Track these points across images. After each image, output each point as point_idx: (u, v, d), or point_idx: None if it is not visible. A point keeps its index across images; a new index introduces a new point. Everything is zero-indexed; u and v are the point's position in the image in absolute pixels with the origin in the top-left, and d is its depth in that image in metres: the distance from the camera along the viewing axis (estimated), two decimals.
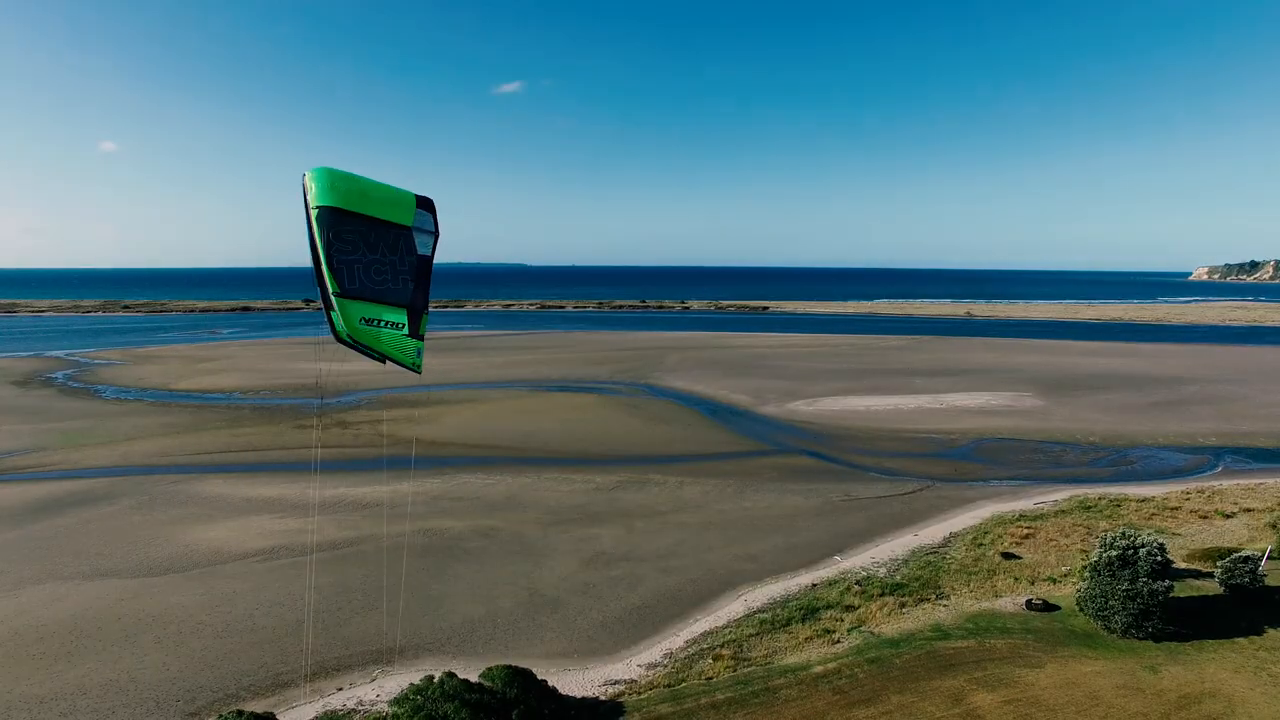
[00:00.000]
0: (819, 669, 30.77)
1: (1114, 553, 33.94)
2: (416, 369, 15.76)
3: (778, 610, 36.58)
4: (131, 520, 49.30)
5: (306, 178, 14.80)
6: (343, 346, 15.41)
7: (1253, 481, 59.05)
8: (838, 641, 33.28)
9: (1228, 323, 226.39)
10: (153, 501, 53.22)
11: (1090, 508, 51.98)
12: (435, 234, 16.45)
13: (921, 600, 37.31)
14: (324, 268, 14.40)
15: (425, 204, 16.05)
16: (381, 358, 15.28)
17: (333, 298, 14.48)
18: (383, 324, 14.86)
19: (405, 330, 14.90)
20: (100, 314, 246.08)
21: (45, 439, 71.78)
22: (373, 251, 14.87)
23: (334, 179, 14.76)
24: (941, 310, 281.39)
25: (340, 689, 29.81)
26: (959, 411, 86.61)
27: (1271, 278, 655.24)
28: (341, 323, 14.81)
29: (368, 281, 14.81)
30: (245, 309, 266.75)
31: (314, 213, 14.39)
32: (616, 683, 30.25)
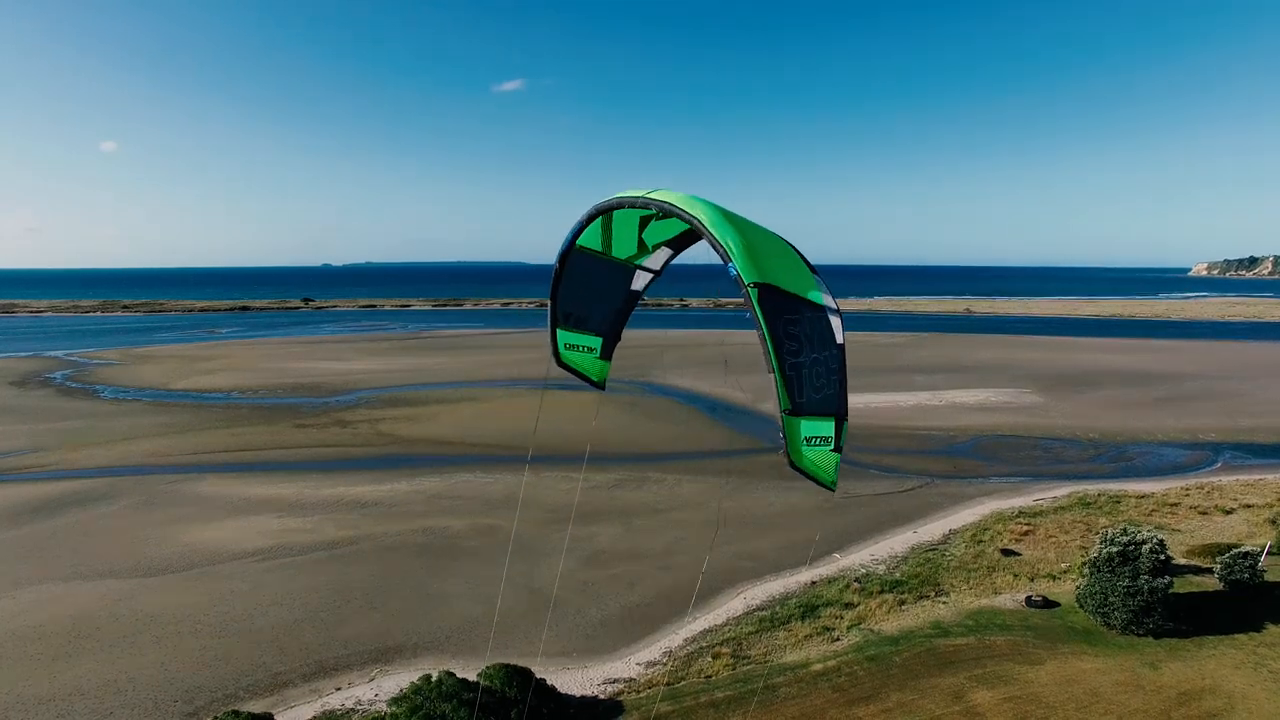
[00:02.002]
0: (818, 667, 30.73)
1: (1114, 549, 33.90)
2: (832, 488, 13.88)
3: (777, 608, 36.53)
4: (130, 520, 49.22)
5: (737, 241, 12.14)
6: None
7: (1252, 477, 59.02)
8: (837, 639, 33.23)
9: (1227, 318, 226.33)
10: (151, 501, 53.14)
11: (1090, 504, 51.94)
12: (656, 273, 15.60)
13: (921, 597, 37.27)
14: (776, 373, 11.93)
15: (812, 268, 13.13)
16: (812, 480, 13.04)
17: (783, 416, 12.16)
18: (816, 442, 12.77)
19: (832, 446, 12.84)
20: (99, 314, 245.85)
21: (44, 439, 71.67)
22: (812, 347, 12.38)
23: (751, 240, 12.22)
24: (941, 307, 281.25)
25: (338, 689, 29.76)
26: (958, 408, 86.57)
27: (1271, 273, 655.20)
28: (790, 444, 12.44)
29: (811, 389, 12.50)
30: (244, 308, 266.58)
31: (753, 293, 11.70)
32: (615, 681, 30.21)
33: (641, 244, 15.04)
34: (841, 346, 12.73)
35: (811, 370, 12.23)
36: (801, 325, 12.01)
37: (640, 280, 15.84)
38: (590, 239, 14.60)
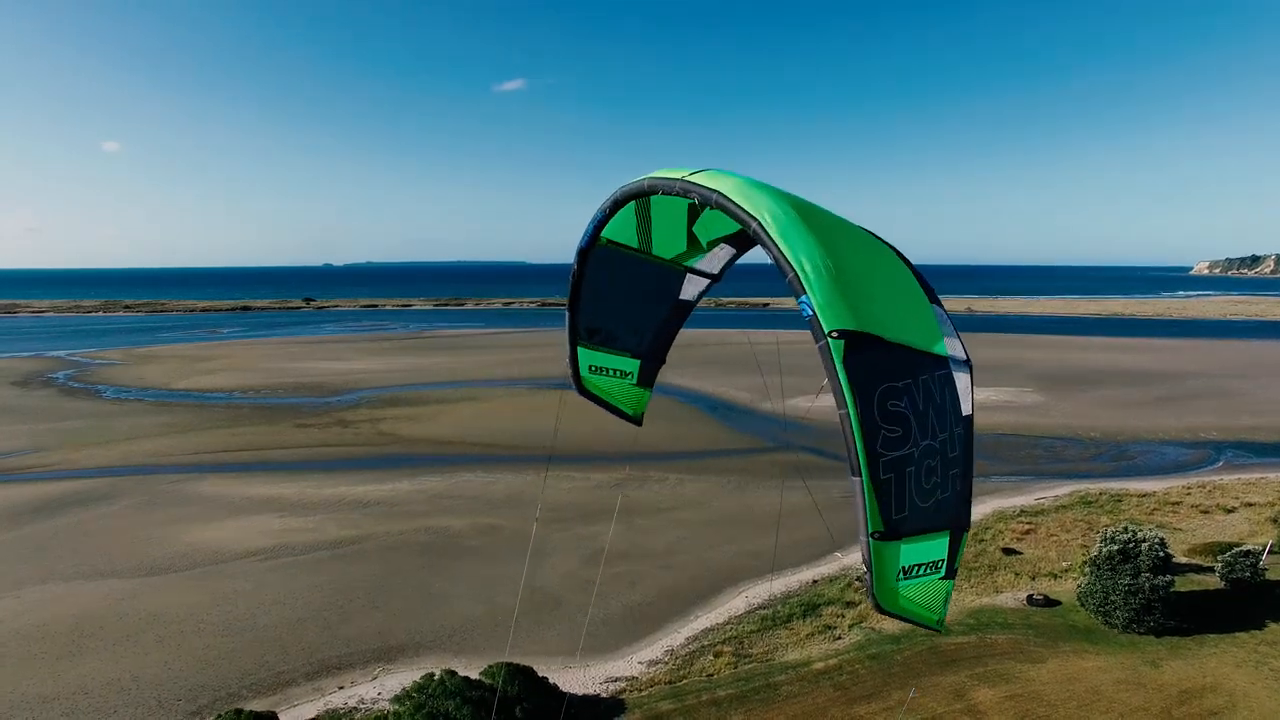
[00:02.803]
0: (820, 665, 30.79)
1: (1115, 548, 33.93)
2: (943, 630, 11.37)
3: (779, 607, 36.60)
4: (132, 520, 49.32)
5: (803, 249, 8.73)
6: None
7: (1254, 476, 59.00)
8: (839, 638, 33.29)
9: (1229, 317, 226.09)
10: (153, 501, 53.25)
11: (1091, 503, 51.94)
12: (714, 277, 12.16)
13: None
14: (865, 483, 8.64)
15: (929, 287, 9.71)
16: (912, 622, 10.02)
17: (869, 540, 8.79)
18: (921, 571, 9.49)
19: (943, 571, 9.55)
20: (101, 314, 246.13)
21: (46, 439, 71.81)
22: (925, 432, 9.03)
23: (829, 246, 8.80)
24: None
25: (341, 687, 29.86)
26: None
27: (1273, 272, 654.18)
28: (878, 581, 9.23)
29: (920, 498, 9.21)
30: (245, 308, 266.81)
31: (834, 347, 8.40)
32: (617, 680, 30.28)
33: (692, 239, 11.41)
34: (969, 419, 9.08)
35: (922, 466, 8.55)
36: (913, 396, 8.45)
37: (692, 287, 12.26)
38: (621, 231, 11.11)
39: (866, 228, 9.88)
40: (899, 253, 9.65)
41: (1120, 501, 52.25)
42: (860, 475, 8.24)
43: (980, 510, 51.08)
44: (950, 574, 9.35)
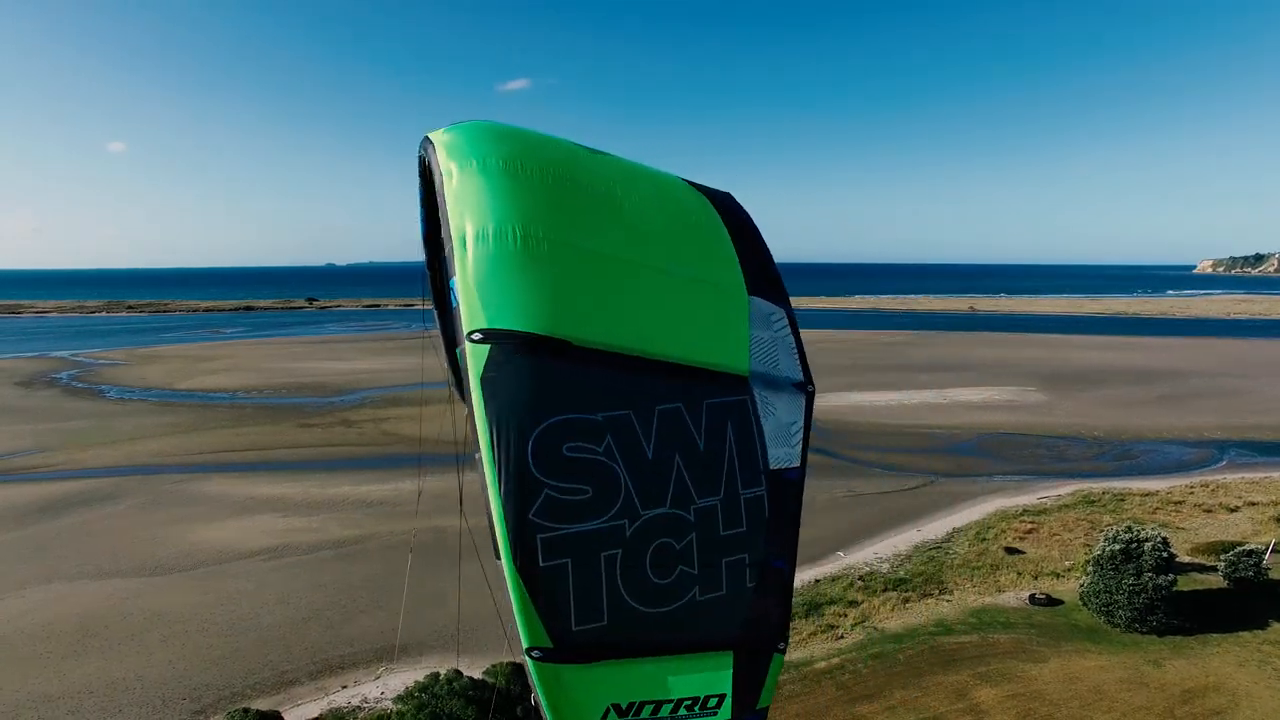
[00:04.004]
0: (822, 664, 30.81)
1: (1117, 547, 33.90)
2: None
3: None
4: (135, 520, 49.47)
5: (455, 198, 5.66)
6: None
7: (1257, 475, 58.89)
8: (841, 637, 33.32)
9: (1232, 316, 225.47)
10: (157, 501, 53.40)
11: (1094, 502, 51.89)
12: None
13: (925, 595, 37.32)
14: (504, 557, 5.63)
15: (747, 249, 6.49)
16: None
17: (528, 660, 5.68)
18: (666, 710, 6.01)
19: (724, 713, 6.14)
20: (104, 314, 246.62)
21: (49, 439, 72.01)
22: (653, 495, 5.65)
23: (545, 195, 5.81)
24: (945, 305, 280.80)
25: (345, 686, 29.96)
26: (962, 407, 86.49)
27: (1276, 271, 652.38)
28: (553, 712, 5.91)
29: (634, 597, 5.68)
30: (248, 308, 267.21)
31: (473, 354, 5.41)
32: None
33: None
34: (782, 476, 5.99)
35: (647, 548, 5.57)
36: (633, 436, 5.51)
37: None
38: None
39: (706, 189, 6.80)
40: (735, 222, 6.52)
41: (1123, 501, 52.19)
42: (501, 559, 5.51)
43: (982, 509, 51.11)
44: (745, 716, 6.16)
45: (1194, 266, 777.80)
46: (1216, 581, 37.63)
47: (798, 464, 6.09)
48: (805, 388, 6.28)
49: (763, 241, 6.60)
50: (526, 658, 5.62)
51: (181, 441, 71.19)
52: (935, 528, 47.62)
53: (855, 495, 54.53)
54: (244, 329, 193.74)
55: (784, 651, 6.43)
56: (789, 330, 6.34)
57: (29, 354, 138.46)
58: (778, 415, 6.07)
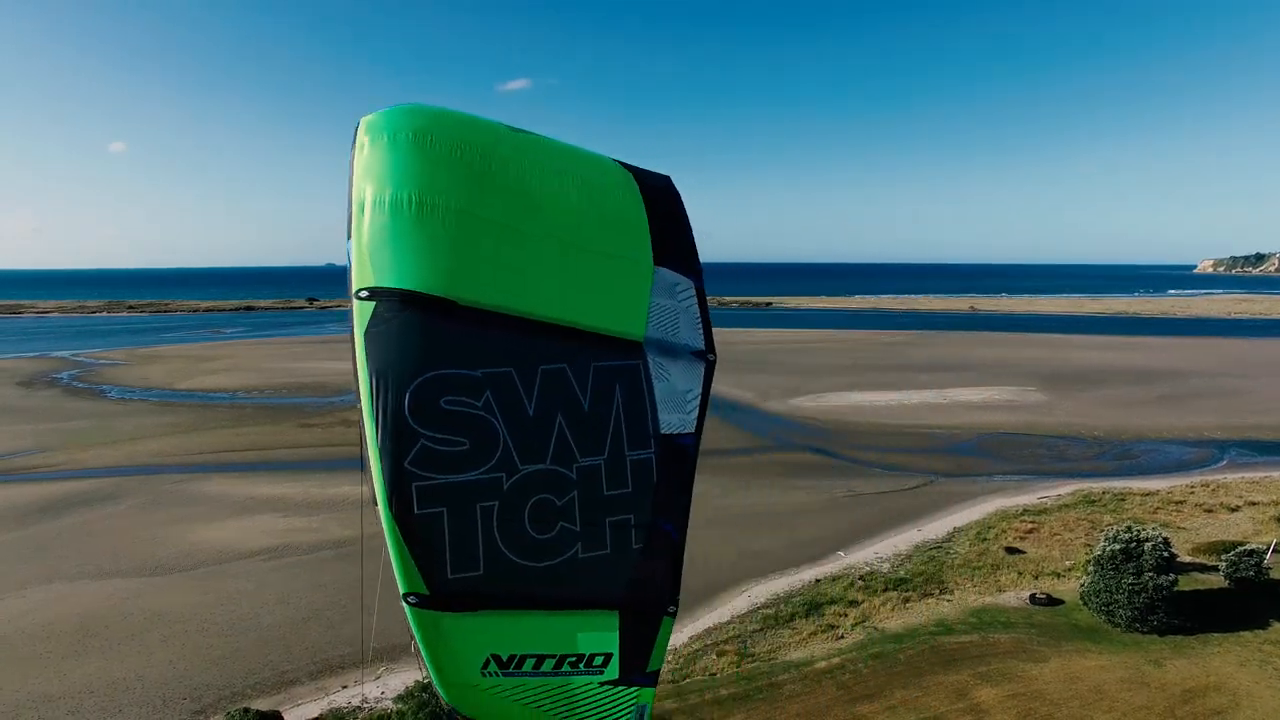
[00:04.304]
0: (823, 664, 30.81)
1: (1118, 546, 33.89)
2: None
3: (781, 606, 36.62)
4: (136, 520, 49.49)
5: (365, 174, 5.69)
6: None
7: (1258, 475, 58.86)
8: (841, 637, 33.32)
9: (1233, 315, 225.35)
10: (157, 501, 53.41)
11: (1094, 502, 51.87)
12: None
13: (925, 595, 37.31)
14: (381, 505, 5.63)
15: (663, 226, 6.43)
16: None
17: (406, 607, 5.80)
18: (548, 665, 5.98)
19: (611, 672, 6.11)
20: (104, 314, 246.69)
21: (50, 439, 72.04)
22: (533, 450, 5.70)
23: (448, 167, 5.75)
24: (945, 305, 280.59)
25: (345, 686, 29.96)
26: (962, 406, 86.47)
27: (1277, 270, 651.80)
28: (440, 674, 6.04)
29: (511, 549, 5.70)
30: (249, 308, 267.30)
31: (358, 310, 5.57)
32: None
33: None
34: (676, 441, 6.22)
35: (526, 502, 5.63)
36: (515, 392, 5.58)
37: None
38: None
39: (639, 170, 6.71)
40: (656, 199, 6.41)
41: (1123, 500, 52.17)
42: (379, 507, 5.51)
43: (982, 509, 51.08)
44: (633, 676, 5.98)
45: (1194, 266, 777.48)
46: (1217, 581, 37.61)
47: (692, 430, 6.31)
48: (705, 356, 6.32)
49: (684, 220, 6.61)
50: (404, 604, 5.71)
51: (182, 441, 71.22)
52: (935, 527, 47.61)
53: (855, 495, 54.51)
54: (244, 329, 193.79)
55: (674, 615, 6.46)
56: (694, 301, 6.34)
57: (30, 354, 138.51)
58: (672, 381, 6.18)
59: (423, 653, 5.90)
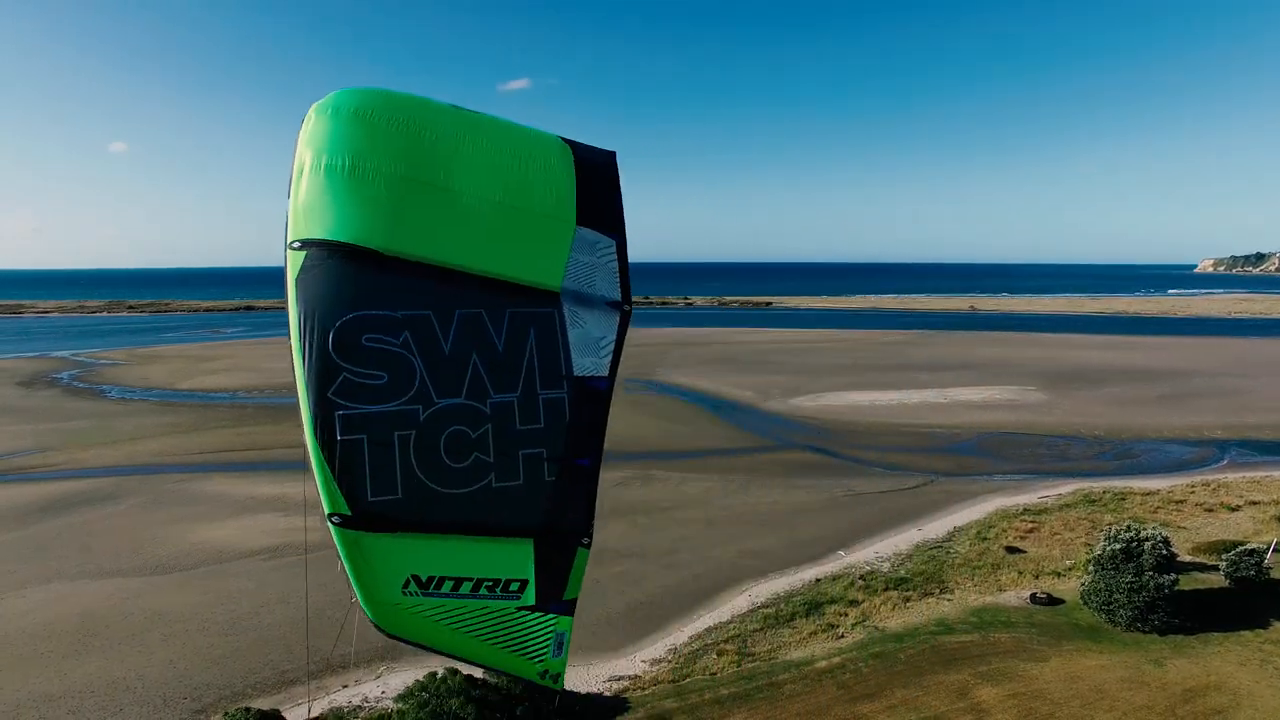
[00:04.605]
0: (823, 664, 30.80)
1: (1118, 546, 33.88)
2: (554, 685, 7.20)
3: (782, 605, 36.61)
4: (136, 519, 49.49)
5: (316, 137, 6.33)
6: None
7: (1259, 474, 58.84)
8: (842, 636, 33.30)
9: (1234, 315, 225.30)
10: (157, 500, 53.42)
11: (1095, 501, 51.85)
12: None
13: (925, 595, 37.30)
14: (308, 434, 6.18)
15: (593, 190, 6.87)
16: (471, 664, 7.66)
17: (331, 527, 6.57)
18: (466, 588, 6.52)
19: (528, 597, 6.63)
20: (105, 314, 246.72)
21: (50, 439, 72.06)
22: (449, 384, 6.26)
23: (376, 138, 6.31)
24: (945, 305, 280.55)
25: (345, 686, 29.96)
26: (962, 406, 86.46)
27: (1278, 270, 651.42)
28: (364, 591, 6.90)
29: (428, 475, 6.26)
30: (249, 308, 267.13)
31: (292, 260, 6.31)
32: (620, 678, 30.34)
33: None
34: (589, 383, 6.64)
35: (441, 433, 6.14)
36: (433, 333, 6.12)
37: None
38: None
39: (578, 144, 7.16)
40: (589, 168, 6.78)
41: (1124, 500, 52.15)
42: (305, 434, 6.02)
43: (983, 509, 51.07)
44: (550, 603, 6.44)
45: (1195, 265, 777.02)
46: (1218, 581, 37.60)
47: (605, 374, 6.78)
48: (621, 307, 6.86)
49: (614, 188, 7.06)
50: (329, 523, 6.40)
51: (182, 441, 71.24)
52: (936, 527, 47.61)
53: (855, 494, 54.51)
54: (245, 329, 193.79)
55: (588, 546, 6.92)
56: (614, 258, 6.84)
57: (30, 354, 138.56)
58: (586, 329, 6.71)
59: (348, 571, 6.70)
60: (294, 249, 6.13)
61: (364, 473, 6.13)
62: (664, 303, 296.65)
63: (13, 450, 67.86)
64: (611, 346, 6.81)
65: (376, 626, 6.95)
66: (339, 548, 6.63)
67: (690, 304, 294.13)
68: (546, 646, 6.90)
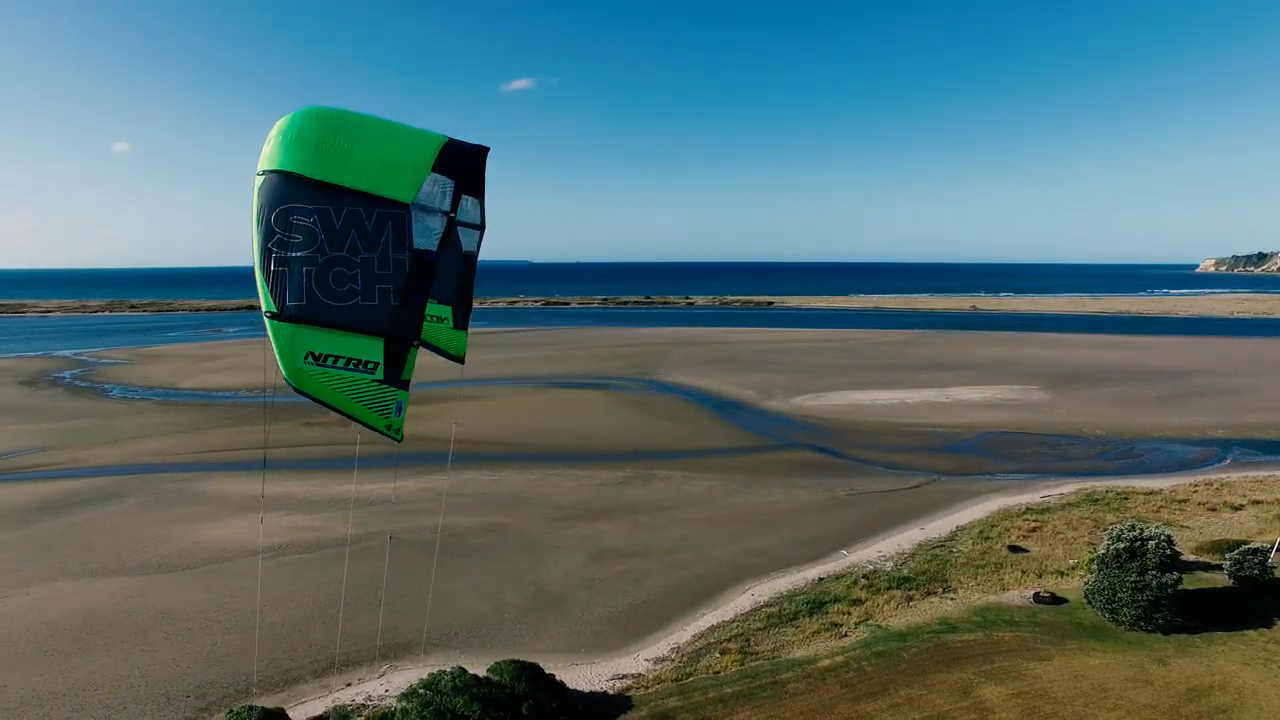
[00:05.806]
0: (826, 662, 30.77)
1: (1121, 545, 33.84)
2: (395, 436, 11.80)
3: (784, 604, 36.58)
4: (139, 518, 49.53)
5: (276, 128, 11.09)
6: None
7: (1261, 474, 58.76)
8: (845, 635, 33.27)
9: (1236, 314, 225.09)
10: (160, 499, 53.46)
11: (1097, 501, 51.79)
12: (468, 220, 11.72)
13: (929, 594, 37.27)
14: (257, 270, 10.76)
15: (454, 162, 11.26)
16: (345, 416, 11.60)
17: (266, 320, 10.87)
18: (341, 363, 11.11)
19: (379, 374, 11.11)
20: (107, 314, 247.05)
21: (53, 438, 72.14)
22: (338, 245, 10.80)
23: (308, 126, 10.84)
24: (946, 304, 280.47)
25: (349, 684, 29.95)
26: (964, 405, 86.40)
27: None
28: (282, 360, 11.20)
29: (321, 294, 10.83)
30: (250, 307, 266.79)
31: (257, 180, 10.72)
32: (624, 677, 30.32)
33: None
34: (426, 255, 10.73)
35: (329, 271, 10.43)
36: (329, 219, 10.41)
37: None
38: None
39: (459, 141, 11.40)
40: (457, 147, 10.99)
41: (1127, 499, 52.09)
42: (255, 265, 10.49)
43: (985, 508, 51.03)
44: (393, 380, 10.95)
45: (1197, 265, 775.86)
46: (1221, 580, 37.55)
47: (434, 249, 10.91)
48: (448, 215, 11.06)
49: (475, 158, 11.34)
50: (265, 319, 10.61)
51: (184, 440, 71.29)
52: (938, 526, 47.57)
53: (858, 494, 54.48)
54: (246, 328, 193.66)
55: (418, 348, 11.22)
56: (451, 188, 11.06)
57: (32, 353, 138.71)
58: (426, 224, 11.03)
59: (274, 346, 10.64)
60: (258, 176, 10.46)
61: (284, 288, 10.46)
62: (665, 302, 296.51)
63: (16, 449, 67.94)
64: (441, 233, 10.95)
65: (288, 383, 11.22)
66: (269, 332, 10.63)
67: (691, 304, 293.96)
68: (390, 407, 11.41)
